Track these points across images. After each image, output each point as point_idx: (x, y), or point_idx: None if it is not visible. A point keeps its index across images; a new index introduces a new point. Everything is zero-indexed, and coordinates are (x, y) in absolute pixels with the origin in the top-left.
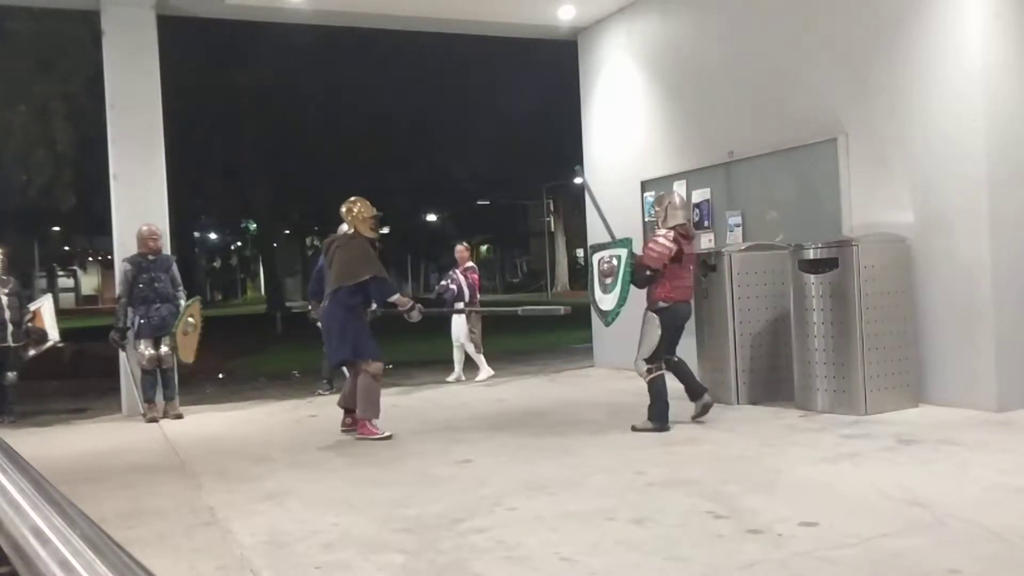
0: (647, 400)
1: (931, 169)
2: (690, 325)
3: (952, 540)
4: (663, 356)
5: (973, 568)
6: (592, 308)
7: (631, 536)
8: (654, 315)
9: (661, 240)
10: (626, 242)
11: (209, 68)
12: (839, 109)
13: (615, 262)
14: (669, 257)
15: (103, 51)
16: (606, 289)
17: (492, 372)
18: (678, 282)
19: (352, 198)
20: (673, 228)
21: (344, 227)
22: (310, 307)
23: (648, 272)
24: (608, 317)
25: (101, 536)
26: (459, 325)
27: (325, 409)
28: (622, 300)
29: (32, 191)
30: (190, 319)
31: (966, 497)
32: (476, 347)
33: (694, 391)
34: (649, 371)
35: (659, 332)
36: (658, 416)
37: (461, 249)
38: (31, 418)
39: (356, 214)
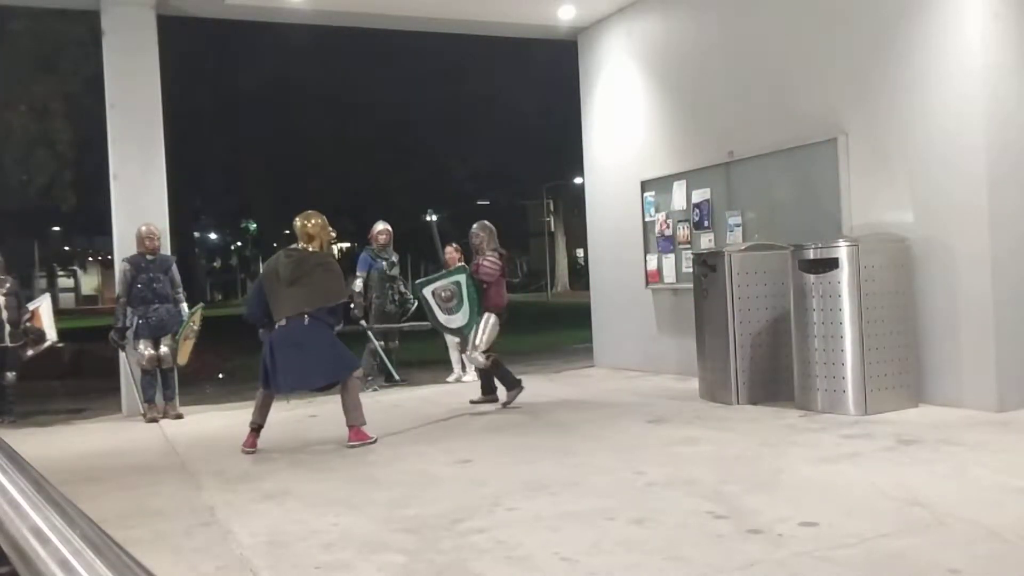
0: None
1: (931, 169)
2: (689, 325)
3: (952, 540)
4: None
5: (973, 568)
6: (440, 330)
7: (631, 536)
8: (494, 315)
9: (491, 259)
10: (461, 269)
11: (209, 68)
12: (839, 109)
13: (455, 288)
14: (499, 273)
15: (103, 51)
16: (451, 311)
17: (476, 378)
18: (503, 291)
19: (310, 212)
20: (495, 250)
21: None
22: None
23: (484, 285)
24: (465, 330)
25: (101, 536)
26: None
27: (326, 408)
28: (474, 313)
29: (32, 191)
30: (193, 325)
31: (966, 497)
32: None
33: (511, 382)
34: (488, 358)
35: (498, 328)
36: (512, 383)
37: (450, 250)
38: (31, 418)
39: (322, 229)
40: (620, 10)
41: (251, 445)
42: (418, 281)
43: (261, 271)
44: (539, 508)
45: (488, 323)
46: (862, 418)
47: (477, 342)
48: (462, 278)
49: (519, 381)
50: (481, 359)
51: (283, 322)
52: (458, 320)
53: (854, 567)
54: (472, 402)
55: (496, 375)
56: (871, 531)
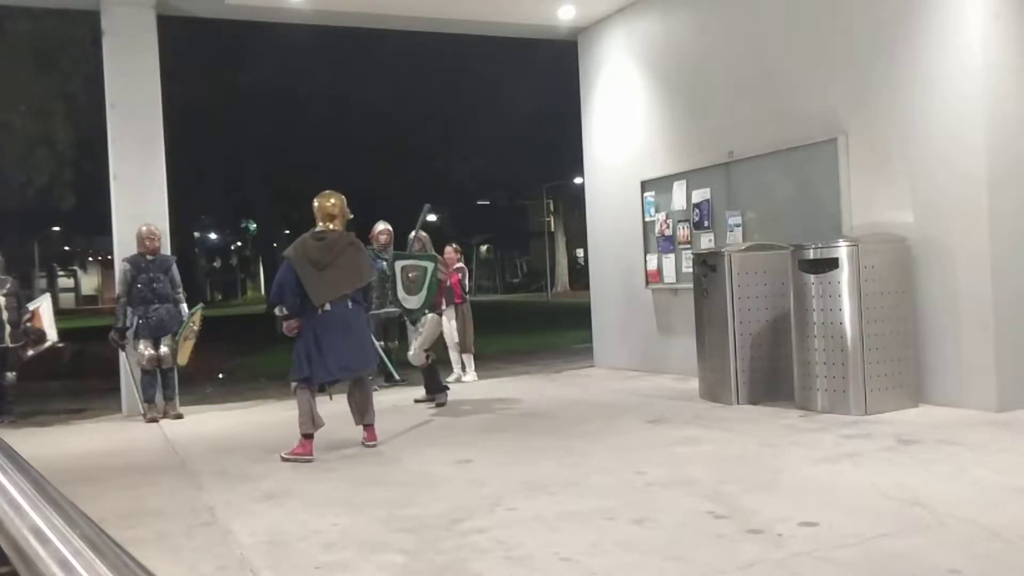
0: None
1: (931, 169)
2: (689, 325)
3: (952, 540)
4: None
5: (973, 568)
6: (395, 304)
7: (631, 536)
8: (436, 316)
9: (443, 267)
10: (434, 257)
11: (209, 68)
12: (839, 109)
13: (422, 271)
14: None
15: (103, 51)
16: (411, 292)
17: (476, 377)
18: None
19: (328, 191)
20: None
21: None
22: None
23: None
24: (415, 315)
25: (101, 536)
26: (448, 324)
27: (325, 408)
28: (427, 302)
29: (32, 191)
30: (193, 326)
31: (966, 497)
32: (466, 348)
33: (436, 388)
34: (427, 357)
35: (439, 328)
36: (439, 387)
37: (450, 251)
38: (31, 418)
39: (343, 208)
40: (620, 10)
41: (308, 452)
42: (396, 252)
43: (291, 255)
44: (539, 508)
45: (430, 324)
46: (862, 418)
47: (420, 340)
48: (430, 266)
49: (445, 389)
50: (422, 357)
51: (327, 307)
52: (413, 302)
53: (854, 567)
54: (416, 401)
55: (429, 376)
56: (871, 531)
